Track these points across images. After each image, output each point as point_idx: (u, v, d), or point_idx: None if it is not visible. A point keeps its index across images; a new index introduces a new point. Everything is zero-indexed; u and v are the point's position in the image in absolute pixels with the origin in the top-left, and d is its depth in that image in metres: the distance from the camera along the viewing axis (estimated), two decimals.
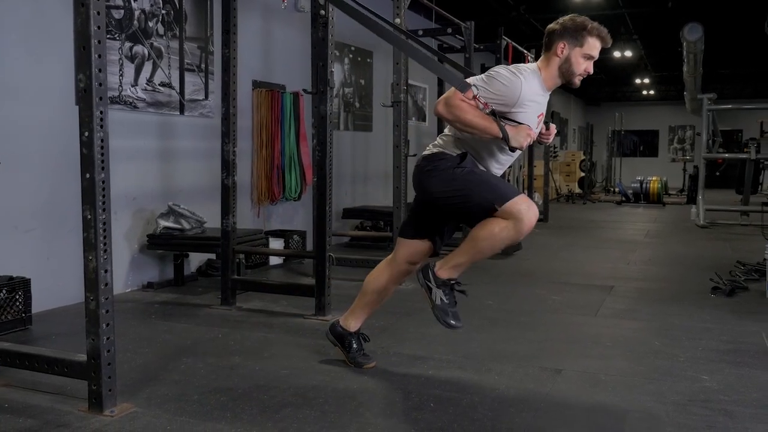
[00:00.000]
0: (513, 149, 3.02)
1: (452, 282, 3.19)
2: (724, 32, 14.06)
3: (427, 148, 3.28)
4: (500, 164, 3.24)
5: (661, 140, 26.40)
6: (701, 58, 13.46)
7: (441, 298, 3.18)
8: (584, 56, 3.08)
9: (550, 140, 3.35)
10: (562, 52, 3.07)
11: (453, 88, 3.01)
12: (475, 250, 3.09)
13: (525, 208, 2.96)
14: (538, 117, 3.13)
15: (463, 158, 3.11)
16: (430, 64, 3.19)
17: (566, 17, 3.13)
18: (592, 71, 3.15)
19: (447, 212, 3.28)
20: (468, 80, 3.04)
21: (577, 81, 3.13)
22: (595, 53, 3.10)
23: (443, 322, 3.19)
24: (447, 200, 3.15)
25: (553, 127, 3.30)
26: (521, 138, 2.95)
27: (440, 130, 9.63)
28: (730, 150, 15.48)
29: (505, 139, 2.93)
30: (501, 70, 3.02)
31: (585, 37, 3.06)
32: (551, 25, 3.15)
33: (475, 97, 2.94)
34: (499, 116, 2.98)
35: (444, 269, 3.19)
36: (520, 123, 3.02)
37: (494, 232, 2.99)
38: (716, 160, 12.65)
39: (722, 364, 3.69)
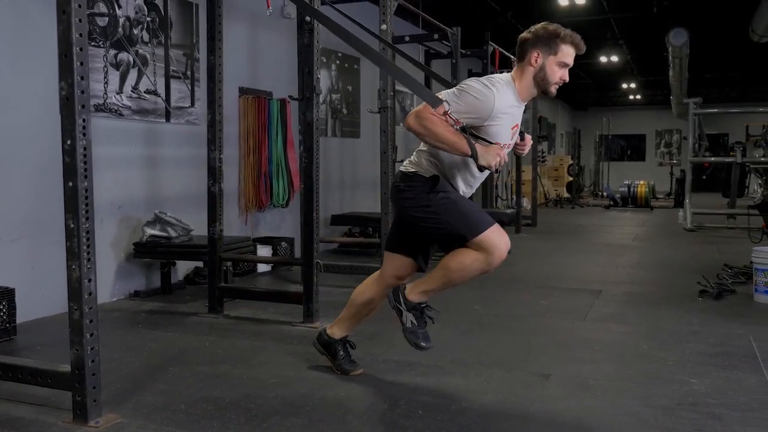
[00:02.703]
0: (481, 168, 2.96)
1: (422, 306, 3.23)
2: (710, 37, 14.17)
3: (404, 164, 3.23)
4: (469, 183, 3.20)
5: (648, 144, 26.55)
6: (687, 62, 13.57)
7: (411, 321, 3.23)
8: (559, 64, 3.01)
9: (526, 151, 3.32)
10: (536, 61, 3.00)
11: (423, 103, 2.95)
12: (445, 280, 3.11)
13: (496, 241, 2.97)
14: (513, 128, 3.07)
15: (435, 182, 3.08)
16: (405, 78, 3.12)
17: (538, 25, 3.07)
18: (567, 79, 3.09)
19: (423, 234, 3.27)
20: (440, 94, 2.98)
21: (553, 90, 3.07)
22: (570, 60, 3.04)
23: (413, 344, 3.22)
24: (421, 224, 3.15)
25: (528, 138, 3.27)
26: (490, 157, 2.88)
27: None
28: (717, 154, 15.59)
29: (474, 157, 2.87)
30: (473, 83, 2.96)
31: (558, 44, 2.99)
32: (523, 34, 3.09)
33: (446, 113, 2.88)
34: (471, 131, 2.93)
35: (414, 293, 3.21)
36: (491, 140, 2.96)
37: (465, 264, 3.01)
38: (703, 164, 12.71)
39: (710, 367, 3.70)
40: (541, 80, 3.03)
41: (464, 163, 3.07)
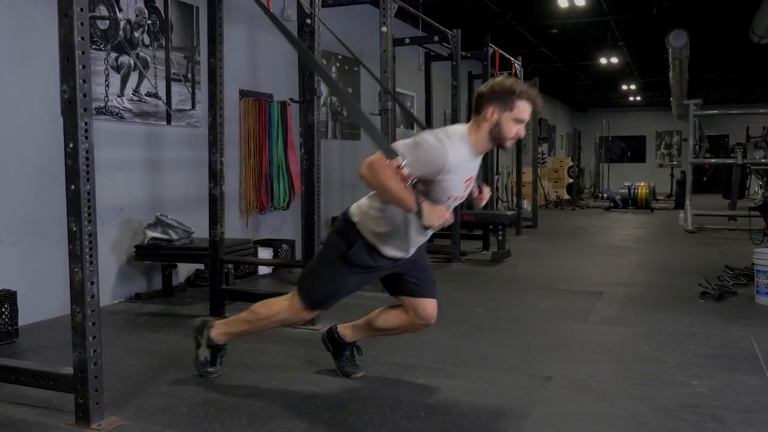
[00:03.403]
0: (425, 227, 2.97)
1: (220, 349, 3.50)
2: (709, 38, 14.17)
3: (355, 206, 3.22)
4: (409, 241, 3.18)
5: (648, 146, 26.56)
6: (687, 64, 13.58)
7: (206, 357, 3.50)
8: (515, 120, 2.99)
9: (483, 203, 3.33)
10: (492, 116, 2.99)
11: (378, 152, 2.94)
12: (250, 326, 3.41)
13: (303, 315, 3.29)
14: (466, 182, 3.07)
15: (350, 247, 3.13)
16: (366, 125, 3.10)
17: (496, 80, 3.07)
18: (523, 134, 3.09)
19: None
20: (396, 144, 2.97)
21: (509, 144, 3.07)
22: (526, 116, 3.02)
23: (197, 371, 3.52)
24: (316, 256, 3.33)
25: (486, 190, 3.29)
26: (434, 218, 2.88)
27: None
28: (717, 155, 15.62)
29: (419, 215, 2.89)
30: (428, 137, 2.95)
31: (514, 101, 2.97)
32: (480, 88, 3.10)
33: (399, 167, 2.87)
34: (421, 186, 2.94)
35: (219, 331, 3.46)
36: (444, 194, 2.99)
37: (272, 312, 3.31)
38: (703, 166, 12.74)
39: (711, 369, 3.70)
40: (496, 135, 3.01)
41: (410, 219, 3.07)
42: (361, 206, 3.18)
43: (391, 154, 2.88)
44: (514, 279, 6.58)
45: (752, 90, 22.24)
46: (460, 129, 3.05)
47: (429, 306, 3.34)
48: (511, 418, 3.01)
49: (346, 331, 3.59)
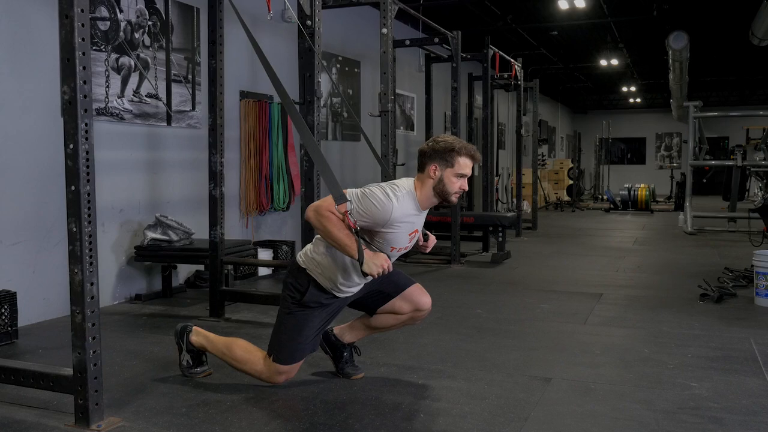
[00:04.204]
0: (365, 274, 3.02)
1: (201, 352, 3.55)
2: (710, 40, 14.19)
3: (300, 254, 3.30)
4: (351, 284, 3.25)
5: (648, 148, 26.57)
6: (687, 66, 13.59)
7: (188, 361, 3.56)
8: (456, 176, 3.12)
9: (429, 250, 3.40)
10: (434, 173, 3.12)
11: (328, 196, 3.04)
12: (221, 355, 3.42)
13: (277, 374, 3.27)
14: (411, 234, 3.18)
15: (303, 293, 3.19)
16: (322, 166, 3.18)
17: (437, 138, 3.20)
18: (466, 188, 3.19)
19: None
20: (347, 191, 3.05)
21: (454, 199, 3.17)
22: (468, 171, 3.14)
23: (183, 374, 3.57)
24: (279, 309, 3.33)
25: (432, 238, 3.37)
26: (374, 266, 2.96)
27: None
28: (717, 157, 15.63)
29: (360, 262, 2.96)
30: (376, 191, 3.05)
31: (455, 157, 3.10)
32: (422, 147, 3.22)
33: (346, 213, 2.96)
34: (363, 235, 3.03)
35: (197, 340, 3.51)
36: (387, 245, 3.09)
37: (248, 364, 3.33)
38: (703, 167, 12.73)
39: (711, 371, 3.70)
40: (440, 191, 3.14)
41: (351, 264, 3.15)
42: (306, 252, 3.28)
43: (341, 199, 2.98)
44: (513, 281, 6.58)
45: (752, 92, 22.28)
46: (407, 184, 3.17)
47: (417, 292, 3.43)
48: (510, 419, 3.01)
49: (343, 332, 3.60)
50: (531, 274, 7.00)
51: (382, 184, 3.16)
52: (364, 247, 2.98)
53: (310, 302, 3.21)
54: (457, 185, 3.13)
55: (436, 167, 3.12)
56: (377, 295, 3.41)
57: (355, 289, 3.32)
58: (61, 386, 2.94)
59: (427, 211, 3.26)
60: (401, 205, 3.05)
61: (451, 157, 3.10)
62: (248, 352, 3.36)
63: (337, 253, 3.13)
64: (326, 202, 3.03)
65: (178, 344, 3.58)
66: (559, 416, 3.06)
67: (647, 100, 25.10)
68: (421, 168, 3.17)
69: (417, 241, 3.32)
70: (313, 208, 3.05)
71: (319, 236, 3.21)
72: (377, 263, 2.97)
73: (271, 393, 3.33)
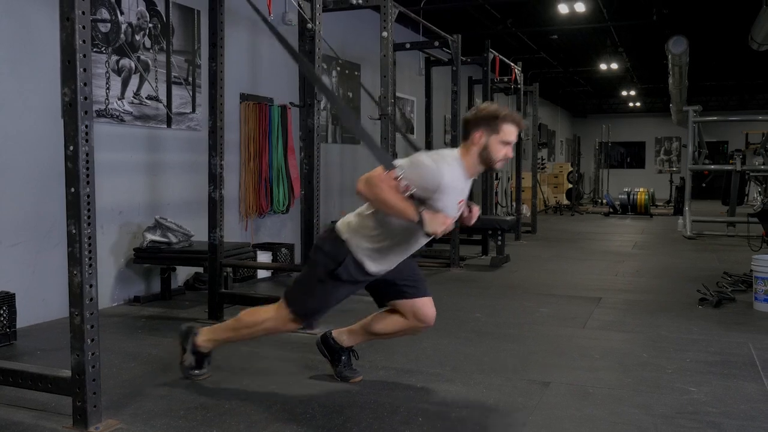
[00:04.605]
0: (428, 234, 3.03)
1: (205, 355, 3.54)
2: (709, 45, 14.20)
3: (342, 223, 3.26)
4: (406, 249, 3.25)
5: (647, 152, 26.58)
6: (686, 70, 13.61)
7: (191, 363, 3.55)
8: (502, 142, 3.11)
9: (473, 222, 3.37)
10: (479, 139, 3.11)
11: (377, 168, 3.03)
12: (234, 334, 3.44)
13: (289, 325, 3.31)
14: (459, 203, 3.17)
15: (339, 264, 3.16)
16: (364, 136, 3.19)
17: (480, 106, 3.20)
18: (511, 155, 3.19)
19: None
20: (395, 162, 3.05)
21: (499, 165, 3.18)
22: (513, 138, 3.14)
23: (183, 375, 3.57)
24: (303, 271, 3.38)
25: (476, 209, 3.34)
26: (436, 225, 2.95)
27: (427, 143, 9.67)
28: (716, 161, 15.61)
29: (421, 223, 2.95)
30: (424, 158, 3.06)
31: (499, 124, 3.10)
32: (466, 115, 3.21)
33: (397, 178, 2.95)
34: (418, 201, 3.00)
35: (205, 338, 3.50)
36: (439, 209, 3.04)
37: (258, 320, 3.34)
38: (702, 172, 12.73)
39: (710, 375, 3.70)
40: (485, 158, 3.13)
41: (408, 228, 3.11)
42: (350, 224, 3.23)
43: (390, 166, 2.97)
44: (512, 284, 6.58)
45: (751, 96, 22.29)
46: (452, 152, 3.17)
47: (427, 305, 3.39)
48: (509, 423, 3.01)
49: (341, 336, 3.59)
50: (530, 277, 7.00)
51: (429, 152, 3.14)
52: (421, 209, 2.96)
53: (343, 275, 3.17)
54: (502, 152, 3.12)
55: (481, 134, 3.09)
56: (400, 284, 3.35)
57: (388, 269, 3.27)
58: (59, 388, 2.94)
59: (472, 180, 3.23)
60: (450, 171, 3.03)
61: (495, 124, 3.09)
62: (255, 314, 3.38)
63: (390, 228, 3.11)
64: (376, 172, 3.01)
65: (181, 345, 3.56)
66: (558, 420, 3.06)
67: (647, 104, 25.12)
68: (466, 136, 3.15)
69: (462, 213, 3.27)
70: (363, 180, 3.03)
71: (366, 212, 3.19)
72: (438, 221, 2.96)
73: (269, 396, 3.33)
